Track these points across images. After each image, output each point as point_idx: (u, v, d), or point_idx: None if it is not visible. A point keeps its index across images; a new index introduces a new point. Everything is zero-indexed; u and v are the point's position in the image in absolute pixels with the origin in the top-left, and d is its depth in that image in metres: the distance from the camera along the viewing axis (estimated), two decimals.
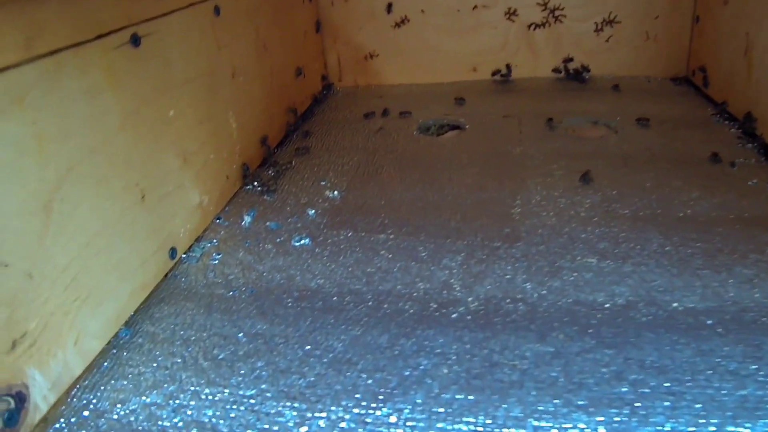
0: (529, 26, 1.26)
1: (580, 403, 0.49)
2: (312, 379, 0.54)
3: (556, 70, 1.29)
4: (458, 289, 0.64)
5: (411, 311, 0.61)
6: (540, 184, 0.86)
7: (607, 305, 0.61)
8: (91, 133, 0.54)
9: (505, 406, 0.50)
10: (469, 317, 0.60)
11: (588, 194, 0.82)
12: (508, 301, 0.62)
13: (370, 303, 0.63)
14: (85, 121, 0.53)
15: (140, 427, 0.50)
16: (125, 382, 0.54)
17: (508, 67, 1.30)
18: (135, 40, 0.60)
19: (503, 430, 0.48)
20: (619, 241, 0.71)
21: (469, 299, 0.63)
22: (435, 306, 0.62)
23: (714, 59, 1.13)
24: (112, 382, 0.54)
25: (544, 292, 0.63)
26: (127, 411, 0.51)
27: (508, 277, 0.66)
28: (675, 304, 0.60)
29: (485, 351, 0.56)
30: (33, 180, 0.47)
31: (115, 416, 0.51)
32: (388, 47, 1.31)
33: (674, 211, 0.77)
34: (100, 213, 0.56)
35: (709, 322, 0.57)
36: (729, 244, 0.69)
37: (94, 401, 0.53)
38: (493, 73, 1.31)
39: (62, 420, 0.51)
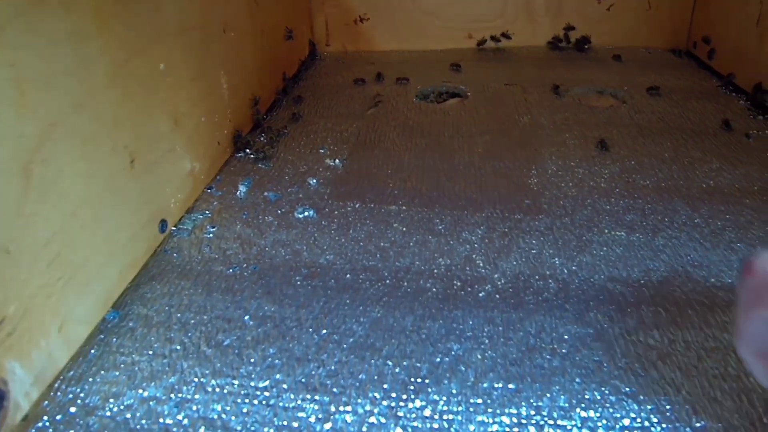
0: None
1: (628, 390, 0.46)
2: (332, 367, 0.48)
3: (555, 39, 1.23)
4: (482, 265, 0.59)
5: (434, 290, 0.56)
6: (555, 153, 0.81)
7: (643, 281, 0.57)
8: (77, 85, 0.46)
9: (548, 395, 0.46)
10: (497, 296, 0.55)
11: (606, 164, 0.78)
12: (537, 278, 0.57)
13: (387, 281, 0.57)
14: (71, 69, 0.45)
15: (138, 426, 0.43)
16: (117, 373, 0.47)
17: (504, 34, 1.23)
18: None
19: (549, 421, 0.43)
20: (646, 213, 0.67)
21: (495, 276, 0.58)
22: (459, 284, 0.57)
23: (721, 29, 1.09)
24: (102, 372, 0.47)
25: (575, 267, 0.59)
26: (122, 407, 0.45)
27: (534, 251, 0.61)
28: (713, 280, 0.58)
29: (520, 334, 0.51)
30: (11, 135, 0.39)
31: (108, 413, 0.44)
32: (380, 11, 1.23)
33: (697, 182, 0.74)
34: (86, 178, 0.48)
35: None
36: (760, 217, 0.67)
37: (82, 395, 0.46)
38: (479, 43, 1.24)
39: (45, 418, 0.44)
